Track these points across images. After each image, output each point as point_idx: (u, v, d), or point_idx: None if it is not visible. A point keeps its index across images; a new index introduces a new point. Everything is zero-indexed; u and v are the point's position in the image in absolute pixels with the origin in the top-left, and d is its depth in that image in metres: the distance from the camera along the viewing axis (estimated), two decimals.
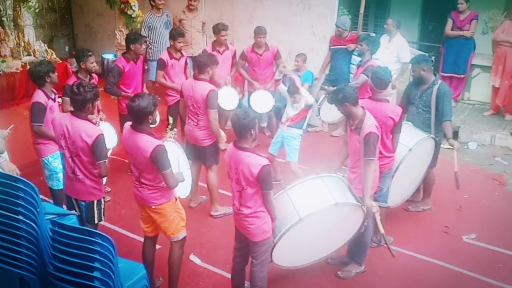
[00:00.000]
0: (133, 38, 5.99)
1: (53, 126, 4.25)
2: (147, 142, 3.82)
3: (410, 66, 7.33)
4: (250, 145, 3.79)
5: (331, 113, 4.59)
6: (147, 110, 3.83)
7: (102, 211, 4.36)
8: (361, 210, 4.24)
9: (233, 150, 3.83)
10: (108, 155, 4.47)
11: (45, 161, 5.02)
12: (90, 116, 4.42)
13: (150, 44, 7.84)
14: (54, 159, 4.99)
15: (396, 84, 7.09)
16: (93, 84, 4.21)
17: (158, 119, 4.13)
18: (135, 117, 3.86)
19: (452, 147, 5.26)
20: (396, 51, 7.31)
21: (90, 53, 5.49)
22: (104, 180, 4.46)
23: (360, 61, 6.47)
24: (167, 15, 8.03)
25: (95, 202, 4.27)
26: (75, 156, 4.08)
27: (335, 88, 4.58)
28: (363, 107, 4.31)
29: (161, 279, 4.53)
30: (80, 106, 4.05)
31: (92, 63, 5.44)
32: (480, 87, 8.59)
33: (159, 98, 4.18)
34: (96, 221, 4.31)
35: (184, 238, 4.21)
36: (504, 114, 8.11)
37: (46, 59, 8.85)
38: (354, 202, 4.24)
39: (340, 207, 4.17)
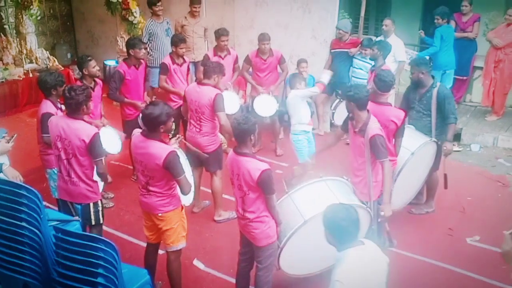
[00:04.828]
0: (131, 43, 6.02)
1: (49, 128, 4.26)
2: (159, 149, 3.80)
3: (406, 66, 7.40)
4: (250, 150, 3.81)
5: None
6: (160, 119, 3.82)
7: (100, 213, 4.36)
8: (368, 214, 4.22)
9: (233, 157, 3.84)
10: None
11: (53, 172, 4.91)
12: (95, 122, 4.42)
13: (151, 51, 7.85)
14: None
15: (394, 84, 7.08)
16: (83, 86, 4.26)
17: (173, 127, 4.12)
18: (147, 125, 3.86)
19: (454, 149, 5.26)
20: (392, 51, 7.32)
21: (89, 58, 5.51)
22: (101, 187, 4.46)
23: (373, 65, 6.41)
24: (167, 22, 8.04)
25: (91, 204, 4.29)
26: (72, 157, 4.11)
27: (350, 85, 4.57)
28: (368, 110, 4.30)
29: (160, 282, 4.53)
30: (75, 109, 4.11)
31: (94, 67, 5.43)
32: (481, 89, 8.56)
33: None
34: (93, 223, 4.31)
35: (181, 249, 4.20)
36: (491, 114, 8.08)
37: (49, 66, 8.90)
38: (359, 205, 4.22)
39: None
